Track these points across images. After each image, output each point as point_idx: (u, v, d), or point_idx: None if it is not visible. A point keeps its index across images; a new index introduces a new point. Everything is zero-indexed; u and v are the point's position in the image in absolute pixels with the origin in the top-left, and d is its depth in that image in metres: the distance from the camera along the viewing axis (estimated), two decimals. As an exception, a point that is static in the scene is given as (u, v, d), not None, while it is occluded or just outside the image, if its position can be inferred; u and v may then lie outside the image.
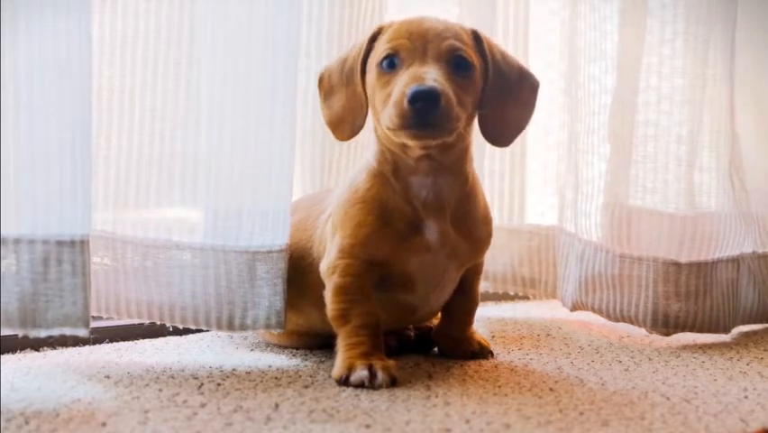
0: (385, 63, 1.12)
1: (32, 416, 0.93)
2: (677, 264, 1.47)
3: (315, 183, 1.48)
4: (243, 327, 1.22)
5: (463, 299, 1.28)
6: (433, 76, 1.07)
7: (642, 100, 1.52)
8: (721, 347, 1.44)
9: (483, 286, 1.33)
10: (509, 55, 1.22)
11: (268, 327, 1.22)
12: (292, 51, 1.21)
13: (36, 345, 1.25)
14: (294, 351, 1.31)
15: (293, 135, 1.22)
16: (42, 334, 1.04)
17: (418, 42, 1.11)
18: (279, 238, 1.21)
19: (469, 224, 1.20)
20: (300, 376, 1.15)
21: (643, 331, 1.51)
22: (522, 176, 1.70)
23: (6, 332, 1.10)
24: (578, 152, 1.57)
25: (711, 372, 1.25)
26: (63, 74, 1.04)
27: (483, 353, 1.29)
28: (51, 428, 0.89)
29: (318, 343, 1.29)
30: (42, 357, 1.22)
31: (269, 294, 1.21)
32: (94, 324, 1.09)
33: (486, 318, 1.62)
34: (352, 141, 1.51)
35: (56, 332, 1.04)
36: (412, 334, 1.34)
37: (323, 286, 1.18)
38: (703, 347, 1.44)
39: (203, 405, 0.99)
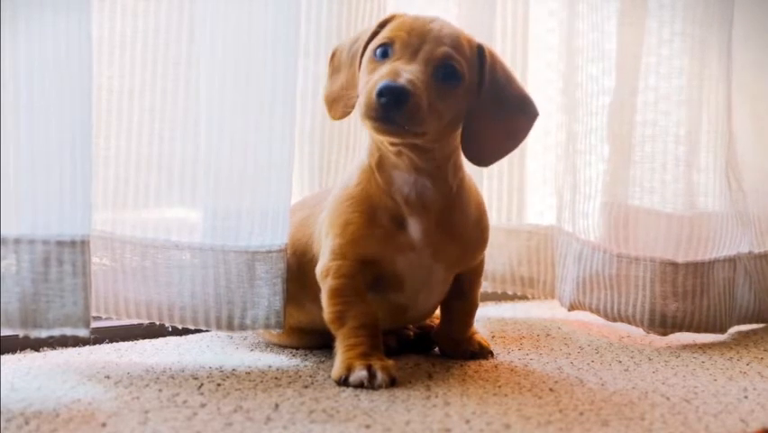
0: (379, 51, 1.12)
1: (31, 416, 0.93)
2: (674, 264, 1.47)
3: (315, 183, 1.48)
4: (243, 327, 1.22)
5: (463, 302, 1.28)
6: (408, 76, 1.05)
7: (640, 100, 1.52)
8: (721, 347, 1.44)
9: (482, 285, 1.33)
10: (516, 80, 1.19)
11: (267, 326, 1.22)
12: (292, 51, 1.21)
13: (36, 345, 1.25)
14: (294, 351, 1.31)
15: (293, 135, 1.22)
16: (43, 334, 1.03)
17: (415, 40, 1.10)
18: (279, 238, 1.21)
19: (458, 227, 1.19)
20: (300, 376, 1.15)
21: (642, 331, 1.51)
22: (521, 176, 1.70)
23: (7, 332, 1.09)
24: (576, 153, 1.57)
25: (711, 372, 1.25)
26: (63, 74, 1.03)
27: (483, 353, 1.29)
28: (51, 428, 0.89)
29: (318, 342, 1.29)
30: (42, 357, 1.22)
31: (268, 294, 1.21)
32: (94, 324, 1.08)
33: (486, 318, 1.62)
34: (352, 141, 1.51)
35: (57, 332, 1.04)
36: (412, 334, 1.34)
37: (322, 283, 1.18)
38: (703, 347, 1.44)
39: (203, 405, 0.99)
